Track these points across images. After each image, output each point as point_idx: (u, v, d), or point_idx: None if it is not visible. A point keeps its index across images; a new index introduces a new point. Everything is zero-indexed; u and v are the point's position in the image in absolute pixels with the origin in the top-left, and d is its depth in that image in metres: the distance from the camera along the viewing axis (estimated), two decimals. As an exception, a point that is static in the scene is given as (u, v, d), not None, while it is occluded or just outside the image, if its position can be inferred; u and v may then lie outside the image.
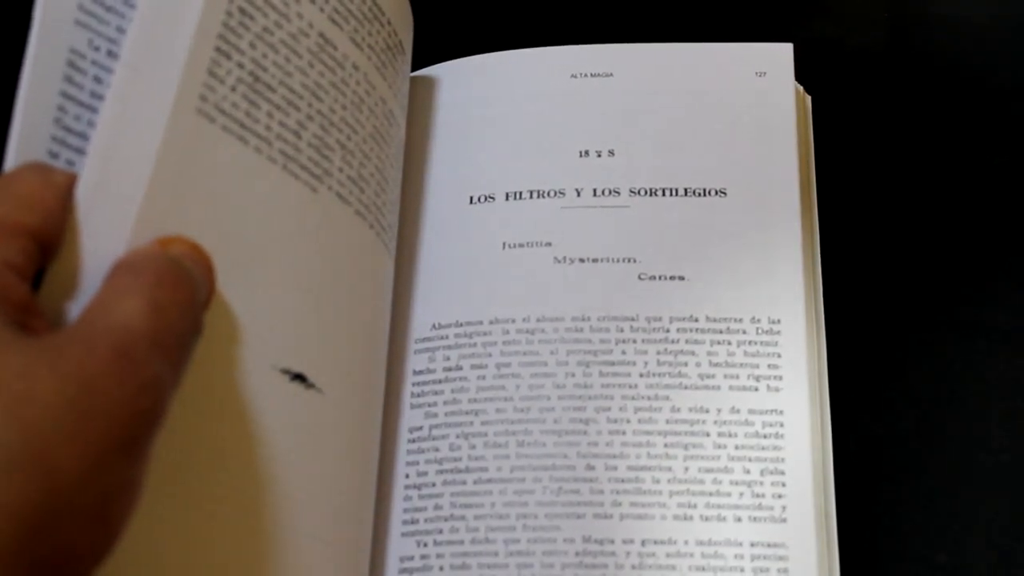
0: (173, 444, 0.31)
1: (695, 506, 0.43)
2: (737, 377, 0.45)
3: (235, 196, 0.37)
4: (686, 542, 0.42)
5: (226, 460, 0.36)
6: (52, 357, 0.28)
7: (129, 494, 0.29)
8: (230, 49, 0.36)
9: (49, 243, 0.31)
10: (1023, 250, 0.50)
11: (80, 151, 0.32)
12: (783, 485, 0.43)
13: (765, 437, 0.44)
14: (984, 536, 0.45)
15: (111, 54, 0.33)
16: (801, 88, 0.51)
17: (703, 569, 0.42)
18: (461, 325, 0.47)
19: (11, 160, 0.31)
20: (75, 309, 0.31)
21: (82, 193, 0.32)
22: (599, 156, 0.50)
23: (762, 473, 0.43)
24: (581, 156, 0.50)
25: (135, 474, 0.29)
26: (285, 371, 0.38)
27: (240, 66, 0.37)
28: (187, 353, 0.32)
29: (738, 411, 0.44)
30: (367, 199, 0.43)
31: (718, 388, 0.44)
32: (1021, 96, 0.54)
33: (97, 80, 0.33)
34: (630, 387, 0.45)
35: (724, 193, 0.48)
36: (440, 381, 0.46)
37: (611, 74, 0.51)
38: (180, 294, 0.31)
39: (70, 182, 0.32)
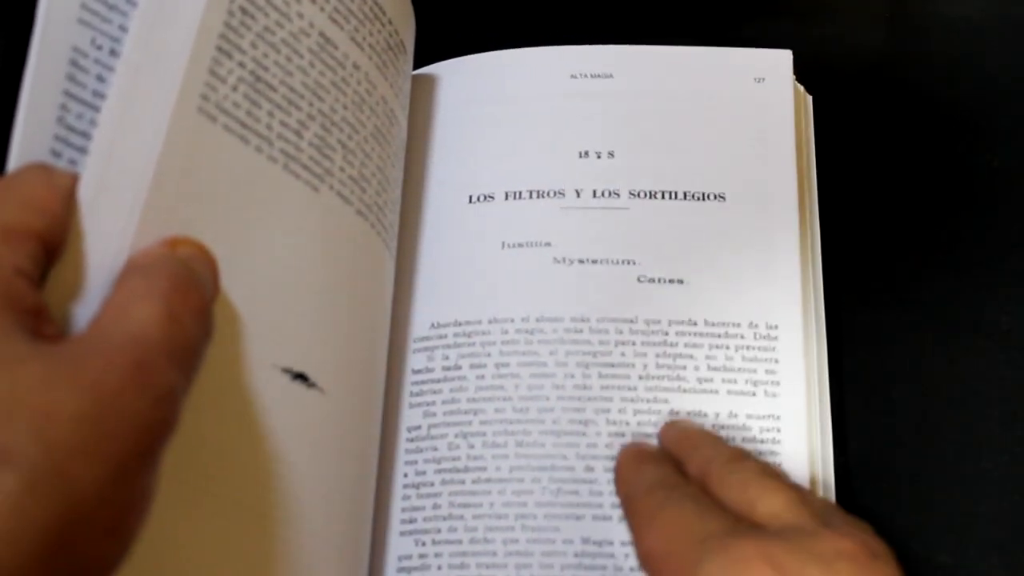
0: (174, 444, 0.31)
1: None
2: (735, 382, 0.45)
3: (236, 196, 0.37)
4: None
5: (227, 459, 0.36)
6: (71, 370, 0.28)
7: (143, 503, 0.29)
8: (231, 48, 0.36)
9: (54, 246, 0.31)
10: (1023, 251, 0.50)
11: (83, 150, 0.32)
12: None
13: (762, 442, 0.44)
14: (986, 536, 0.45)
15: (114, 53, 0.33)
16: (802, 88, 0.51)
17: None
18: (460, 324, 0.47)
19: (14, 159, 0.31)
20: (79, 311, 0.31)
21: (84, 193, 0.32)
22: (599, 157, 0.49)
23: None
24: (581, 157, 0.50)
25: (149, 483, 0.29)
26: (286, 371, 0.38)
27: (241, 65, 0.37)
28: (199, 359, 0.32)
29: (736, 415, 0.44)
30: (368, 199, 0.43)
31: (716, 392, 0.45)
32: (1021, 96, 0.54)
33: (100, 79, 0.33)
34: (629, 389, 0.45)
35: (723, 198, 0.48)
36: (439, 380, 0.46)
37: (611, 75, 0.51)
38: (193, 300, 0.31)
39: (73, 183, 0.31)
